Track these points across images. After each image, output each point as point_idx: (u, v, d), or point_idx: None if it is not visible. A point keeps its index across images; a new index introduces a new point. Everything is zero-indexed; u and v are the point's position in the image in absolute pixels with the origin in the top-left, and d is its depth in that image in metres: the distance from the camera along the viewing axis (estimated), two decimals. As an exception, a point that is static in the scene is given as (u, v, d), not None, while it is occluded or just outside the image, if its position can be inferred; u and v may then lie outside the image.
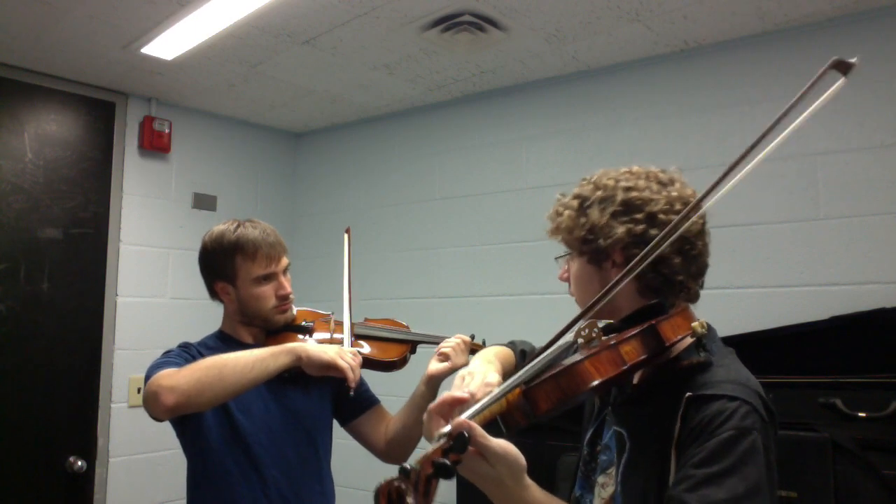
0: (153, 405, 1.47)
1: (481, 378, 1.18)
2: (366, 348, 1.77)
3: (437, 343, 1.74)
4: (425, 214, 3.39)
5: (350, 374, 1.56)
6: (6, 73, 2.86)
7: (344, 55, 2.77)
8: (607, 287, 1.04)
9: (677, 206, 1.11)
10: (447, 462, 0.79)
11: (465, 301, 3.20)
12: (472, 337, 1.77)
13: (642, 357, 1.00)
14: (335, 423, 1.84)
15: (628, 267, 1.03)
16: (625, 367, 0.98)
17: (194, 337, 1.76)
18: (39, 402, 2.86)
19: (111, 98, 3.16)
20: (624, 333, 1.03)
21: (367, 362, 1.74)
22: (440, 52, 2.73)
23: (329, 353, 1.56)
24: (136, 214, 3.20)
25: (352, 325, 1.77)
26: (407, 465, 0.79)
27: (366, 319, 1.88)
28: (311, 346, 1.57)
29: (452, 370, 1.69)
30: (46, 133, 2.97)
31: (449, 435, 0.85)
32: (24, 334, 2.84)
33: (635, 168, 1.21)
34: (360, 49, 2.71)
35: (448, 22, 2.46)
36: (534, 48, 2.71)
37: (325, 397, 1.78)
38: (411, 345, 1.81)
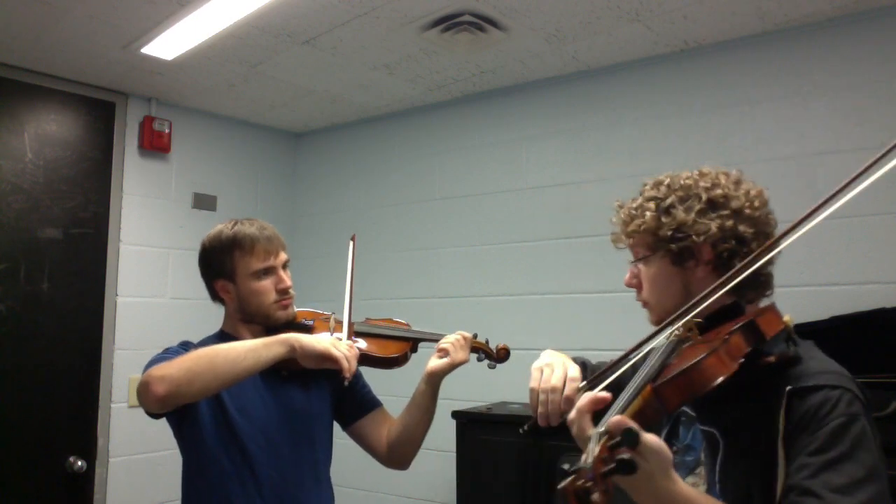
0: (145, 396, 1.45)
1: (562, 371, 1.18)
2: (365, 345, 1.76)
3: (438, 340, 1.73)
4: (425, 214, 3.39)
5: (345, 364, 1.54)
6: (6, 73, 2.86)
7: (344, 55, 2.77)
8: (724, 278, 1.07)
9: (756, 203, 1.17)
10: (628, 457, 0.83)
11: (465, 301, 3.20)
12: (475, 336, 1.76)
13: (746, 351, 1.02)
14: (336, 427, 1.84)
15: (745, 262, 1.08)
16: (740, 362, 1.01)
17: (194, 337, 1.75)
18: (39, 402, 2.86)
19: (111, 98, 3.16)
20: (723, 329, 1.05)
21: (368, 359, 1.72)
22: (440, 52, 2.73)
23: (323, 342, 1.54)
24: (136, 214, 3.20)
25: (351, 323, 1.76)
26: (574, 466, 0.84)
27: (367, 319, 1.87)
28: (305, 337, 1.55)
29: (452, 366, 1.68)
30: (46, 133, 2.97)
31: (610, 433, 0.87)
32: (24, 334, 2.84)
33: (705, 169, 1.24)
34: (360, 49, 2.71)
35: (448, 22, 2.46)
36: (534, 48, 2.71)
37: (325, 397, 1.77)
38: (412, 342, 1.79)
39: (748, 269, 1.07)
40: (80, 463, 2.90)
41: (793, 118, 2.49)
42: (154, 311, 3.20)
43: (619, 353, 1.17)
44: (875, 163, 1.02)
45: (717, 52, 2.65)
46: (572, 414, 1.00)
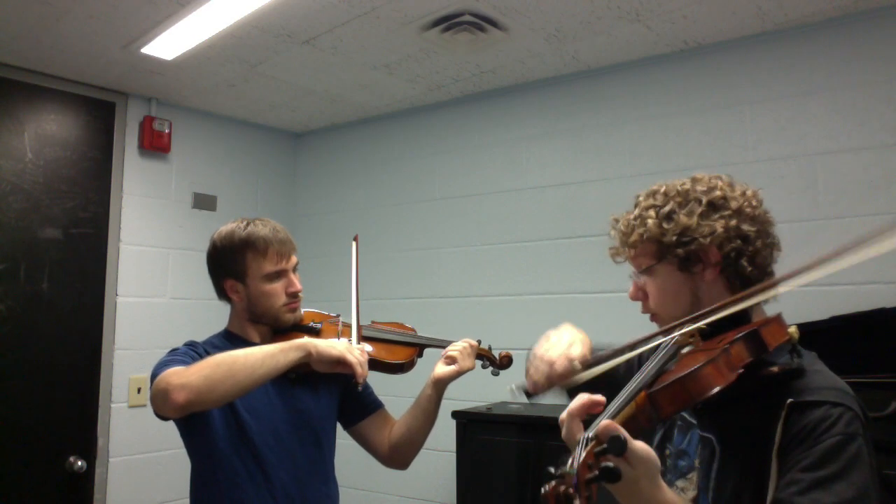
0: (162, 403, 1.44)
1: (565, 348, 1.18)
2: (371, 349, 1.76)
3: (444, 347, 1.75)
4: (425, 214, 3.39)
5: (359, 370, 1.56)
6: (6, 73, 2.86)
7: (344, 55, 2.77)
8: (738, 297, 1.04)
9: (754, 202, 1.17)
10: (612, 465, 0.81)
11: (465, 301, 3.20)
12: (479, 342, 1.77)
13: (747, 361, 1.00)
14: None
15: (758, 288, 1.06)
16: (738, 372, 0.99)
17: (195, 337, 1.75)
18: (39, 402, 2.86)
19: (111, 98, 3.16)
20: (726, 337, 1.03)
21: (375, 364, 1.73)
22: (440, 52, 2.73)
23: (338, 348, 1.56)
24: (136, 214, 3.20)
25: (359, 326, 1.76)
26: (559, 470, 0.82)
27: (373, 322, 1.88)
28: (321, 342, 1.56)
29: (459, 374, 1.70)
30: (46, 133, 2.97)
31: (598, 438, 0.86)
32: (24, 334, 2.84)
33: (697, 175, 1.24)
34: (360, 49, 2.71)
35: (448, 22, 2.46)
36: (534, 48, 2.71)
37: (333, 398, 1.78)
38: (419, 348, 1.80)
39: (763, 294, 1.05)
40: (80, 463, 2.90)
41: (793, 118, 2.49)
42: (154, 311, 3.20)
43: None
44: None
45: (717, 52, 2.65)
46: (563, 415, 0.99)
